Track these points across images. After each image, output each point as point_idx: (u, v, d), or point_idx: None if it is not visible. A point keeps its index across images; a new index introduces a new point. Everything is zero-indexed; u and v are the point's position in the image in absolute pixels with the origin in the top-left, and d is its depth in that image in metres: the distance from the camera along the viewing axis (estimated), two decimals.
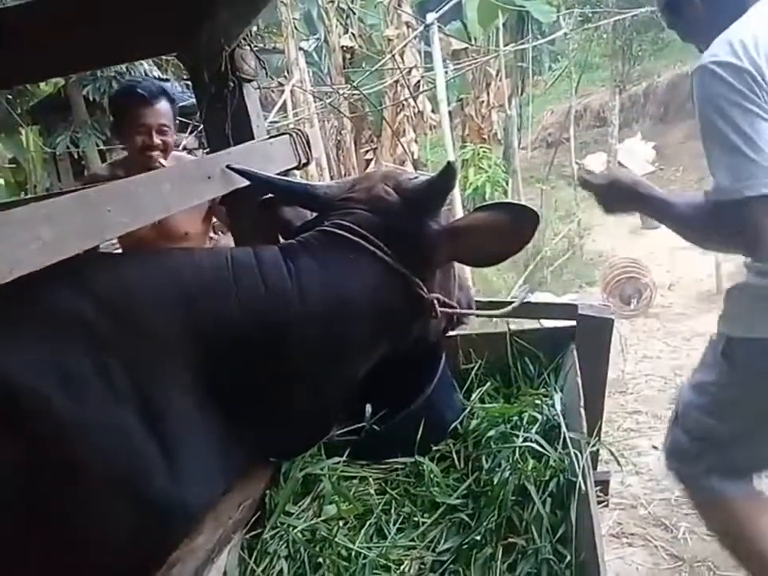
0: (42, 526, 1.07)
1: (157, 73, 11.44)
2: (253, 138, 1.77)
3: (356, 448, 1.69)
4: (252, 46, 1.82)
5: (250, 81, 1.78)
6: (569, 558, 1.24)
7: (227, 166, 1.35)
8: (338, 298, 1.37)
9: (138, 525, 1.16)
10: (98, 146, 11.97)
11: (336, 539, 1.44)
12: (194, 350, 1.24)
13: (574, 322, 1.92)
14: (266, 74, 1.92)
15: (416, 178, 1.54)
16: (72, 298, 1.13)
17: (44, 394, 1.04)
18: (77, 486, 1.08)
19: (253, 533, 1.46)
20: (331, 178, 10.37)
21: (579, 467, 1.34)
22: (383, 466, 1.68)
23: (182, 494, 1.22)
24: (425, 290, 1.46)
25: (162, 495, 1.18)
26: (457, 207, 6.78)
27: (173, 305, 1.23)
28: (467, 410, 1.81)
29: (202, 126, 2.30)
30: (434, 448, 1.70)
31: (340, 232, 1.40)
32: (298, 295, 1.33)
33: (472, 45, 11.79)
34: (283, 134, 1.80)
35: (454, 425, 1.75)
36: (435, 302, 1.47)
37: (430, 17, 6.82)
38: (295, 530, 1.44)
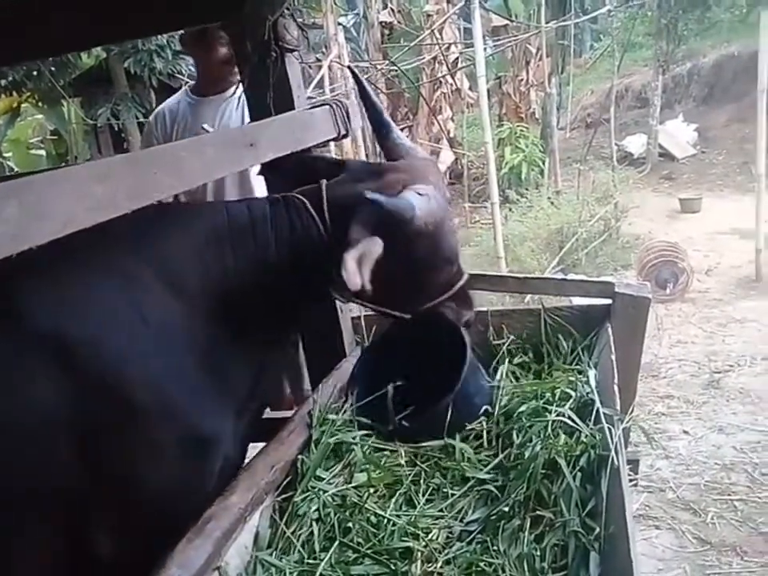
0: (98, 462, 1.16)
1: None
2: (294, 108, 1.78)
3: (385, 432, 1.72)
4: (295, 16, 1.82)
5: (292, 51, 1.79)
6: (597, 530, 1.25)
7: (350, 70, 1.41)
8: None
9: (187, 457, 1.28)
10: (137, 118, 12.09)
11: (366, 505, 1.46)
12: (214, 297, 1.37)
13: (609, 301, 1.91)
14: (308, 43, 1.93)
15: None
16: (119, 255, 1.26)
17: (93, 339, 1.15)
18: (129, 423, 1.19)
19: (284, 496, 1.50)
20: (366, 154, 10.33)
21: (612, 441, 1.34)
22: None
23: (217, 427, 1.34)
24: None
25: (206, 427, 1.30)
26: (492, 186, 6.73)
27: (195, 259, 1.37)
28: (498, 389, 1.81)
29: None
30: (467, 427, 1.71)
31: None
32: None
33: (513, 21, 11.59)
34: (324, 104, 1.80)
35: (484, 408, 1.75)
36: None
37: None
38: (326, 494, 1.47)
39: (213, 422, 1.32)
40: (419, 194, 1.44)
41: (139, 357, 1.20)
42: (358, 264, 1.31)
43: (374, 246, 1.34)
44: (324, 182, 1.53)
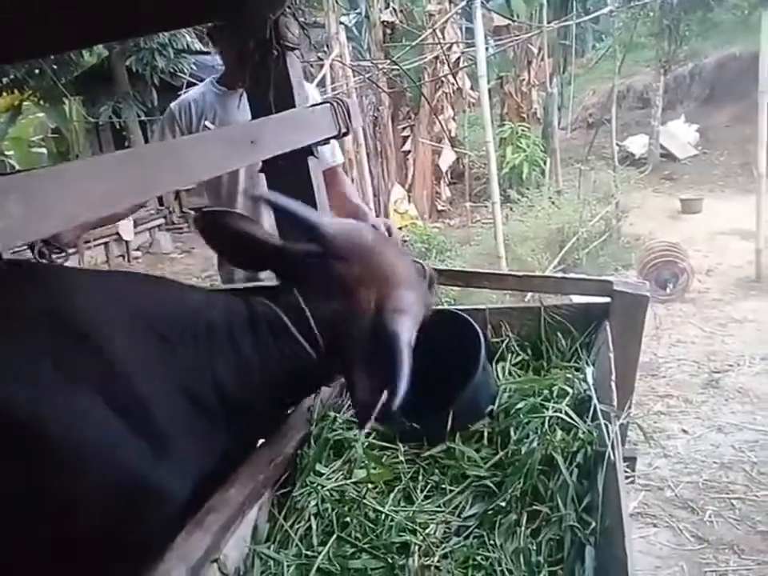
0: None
1: (198, 45, 11.52)
2: (294, 106, 1.79)
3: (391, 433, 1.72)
4: (296, 15, 1.83)
5: (293, 49, 1.80)
6: (593, 525, 1.26)
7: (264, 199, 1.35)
8: None
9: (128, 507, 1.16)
10: (139, 116, 12.13)
11: (364, 501, 1.47)
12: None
13: (608, 299, 1.91)
14: (309, 42, 1.94)
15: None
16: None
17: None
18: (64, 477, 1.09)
19: (283, 490, 1.51)
20: (368, 154, 10.34)
21: (609, 437, 1.35)
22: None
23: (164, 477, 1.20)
24: None
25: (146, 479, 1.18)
26: (493, 185, 6.74)
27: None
28: (498, 387, 1.82)
29: None
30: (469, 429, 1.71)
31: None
32: None
33: (514, 21, 11.60)
34: (324, 102, 1.81)
35: (489, 408, 1.75)
36: None
37: None
38: (324, 489, 1.48)
39: (156, 474, 1.18)
40: (403, 312, 1.27)
41: (58, 413, 1.08)
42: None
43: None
44: (298, 296, 1.33)
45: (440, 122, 11.62)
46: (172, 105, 2.73)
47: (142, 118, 12.26)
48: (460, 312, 1.89)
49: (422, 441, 1.69)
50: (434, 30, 10.47)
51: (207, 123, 2.20)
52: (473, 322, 1.81)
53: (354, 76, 9.56)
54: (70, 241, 2.23)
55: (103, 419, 1.12)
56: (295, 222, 1.39)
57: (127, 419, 1.14)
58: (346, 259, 1.35)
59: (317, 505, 1.47)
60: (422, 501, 1.53)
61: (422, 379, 1.77)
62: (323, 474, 1.55)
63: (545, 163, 11.43)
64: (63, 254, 2.11)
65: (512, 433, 1.62)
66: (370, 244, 1.40)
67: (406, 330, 1.24)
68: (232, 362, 1.27)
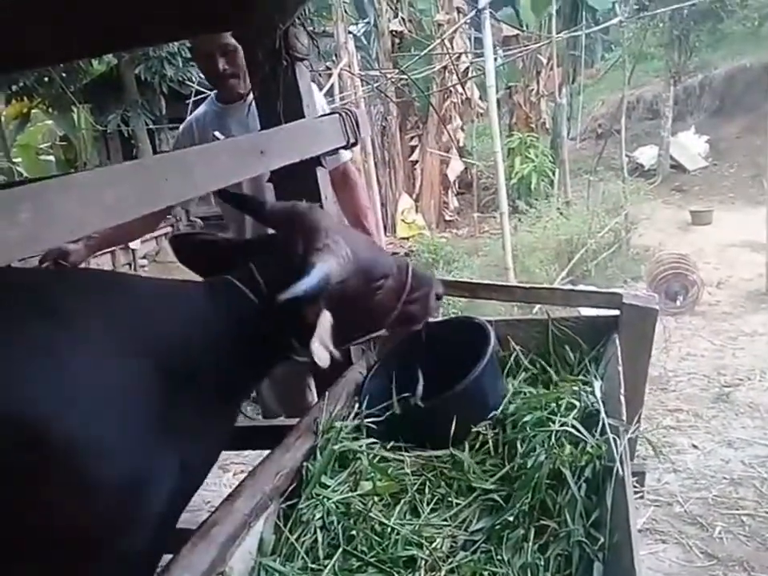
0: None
1: None
2: (303, 116, 1.79)
3: (393, 428, 1.72)
4: (305, 25, 1.84)
5: (302, 59, 1.80)
6: (602, 540, 1.24)
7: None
8: None
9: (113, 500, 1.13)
10: (147, 125, 12.19)
11: (370, 513, 1.46)
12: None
13: (617, 312, 1.91)
14: (318, 52, 1.94)
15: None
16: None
17: None
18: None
19: (289, 502, 1.50)
20: (375, 163, 10.36)
21: (618, 452, 1.34)
22: (420, 452, 1.70)
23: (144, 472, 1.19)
24: None
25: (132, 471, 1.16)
26: (502, 196, 6.73)
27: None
28: (507, 396, 1.81)
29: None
30: (473, 430, 1.70)
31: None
32: None
33: (524, 32, 11.63)
34: (333, 112, 1.82)
35: (493, 412, 1.74)
36: None
37: (482, 2, 6.75)
38: (330, 502, 1.47)
39: (142, 465, 1.18)
40: (322, 250, 1.41)
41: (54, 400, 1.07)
42: (323, 344, 1.31)
43: (326, 320, 1.35)
44: (250, 263, 1.49)
45: (448, 132, 11.64)
46: (179, 129, 2.80)
47: (151, 126, 12.33)
48: (474, 318, 1.90)
49: (429, 440, 1.69)
50: (443, 40, 10.50)
51: (217, 134, 2.21)
52: (485, 324, 1.82)
53: (363, 85, 9.60)
54: (79, 261, 2.26)
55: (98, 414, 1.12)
56: (245, 205, 1.66)
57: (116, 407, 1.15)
58: (284, 225, 1.55)
59: (322, 517, 1.46)
60: (429, 514, 1.52)
61: (437, 384, 1.78)
62: (329, 486, 1.54)
63: (553, 174, 11.43)
64: None
65: (519, 446, 1.61)
66: (302, 211, 1.57)
67: (325, 262, 1.39)
68: (195, 326, 1.38)
